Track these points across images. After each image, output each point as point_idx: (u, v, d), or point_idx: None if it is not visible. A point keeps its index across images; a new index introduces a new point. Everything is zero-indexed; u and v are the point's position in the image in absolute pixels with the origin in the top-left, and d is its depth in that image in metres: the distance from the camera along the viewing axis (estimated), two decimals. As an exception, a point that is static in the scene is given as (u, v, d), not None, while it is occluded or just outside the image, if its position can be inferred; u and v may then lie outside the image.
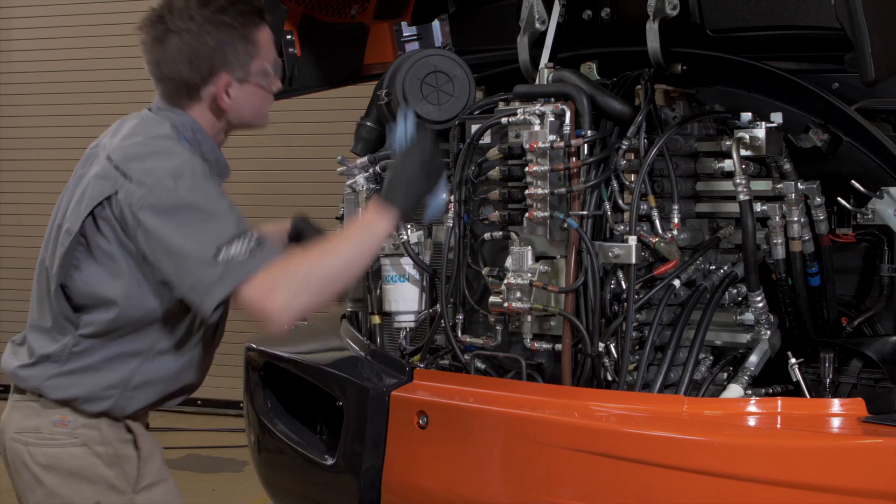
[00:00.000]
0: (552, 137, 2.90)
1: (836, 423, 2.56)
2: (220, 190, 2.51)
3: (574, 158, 2.89)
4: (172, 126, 2.54)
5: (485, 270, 3.10)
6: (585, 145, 2.89)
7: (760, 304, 2.88)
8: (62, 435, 2.54)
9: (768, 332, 2.90)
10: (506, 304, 2.95)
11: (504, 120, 3.01)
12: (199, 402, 7.17)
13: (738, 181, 2.81)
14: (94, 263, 2.50)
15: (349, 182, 3.54)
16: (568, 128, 2.92)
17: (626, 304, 2.82)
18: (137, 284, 2.49)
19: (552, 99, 2.96)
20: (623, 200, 2.92)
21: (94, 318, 2.51)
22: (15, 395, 2.62)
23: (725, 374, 2.95)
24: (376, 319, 3.43)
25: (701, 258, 2.96)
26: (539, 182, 2.91)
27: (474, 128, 3.12)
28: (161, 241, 2.41)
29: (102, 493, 2.55)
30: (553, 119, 2.92)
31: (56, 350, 2.53)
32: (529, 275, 2.93)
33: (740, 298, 2.97)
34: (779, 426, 2.58)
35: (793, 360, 2.78)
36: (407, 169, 2.56)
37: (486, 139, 3.10)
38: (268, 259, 2.40)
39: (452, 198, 3.14)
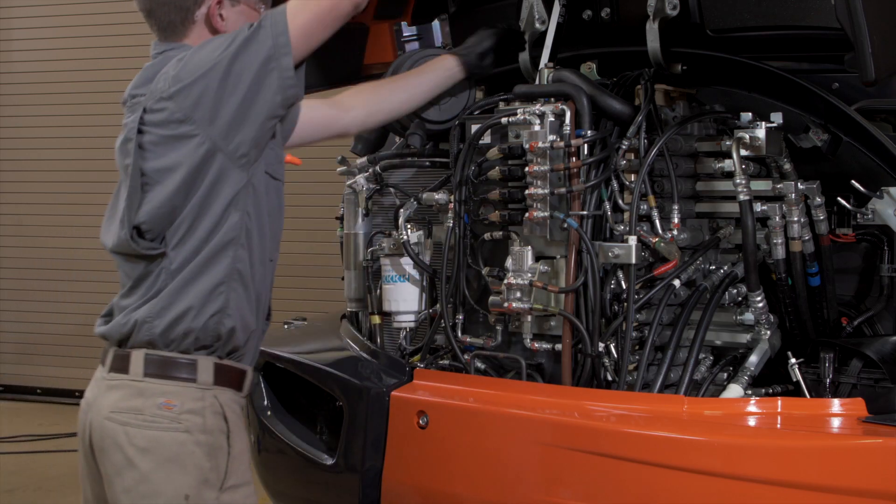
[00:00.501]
0: (552, 137, 2.90)
1: (836, 423, 2.56)
2: None
3: (574, 158, 2.89)
4: None
5: (485, 270, 3.10)
6: (585, 145, 2.89)
7: (760, 304, 2.87)
8: (165, 419, 2.46)
9: (768, 332, 2.90)
10: (506, 304, 2.95)
11: (504, 120, 3.00)
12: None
13: (738, 181, 2.80)
14: (155, 185, 2.48)
15: (349, 182, 3.54)
16: (568, 128, 2.92)
17: (626, 304, 2.82)
18: (204, 171, 2.46)
19: (552, 99, 2.96)
20: (623, 200, 2.91)
21: (175, 229, 2.48)
22: (112, 373, 2.53)
23: (725, 374, 2.95)
24: (376, 319, 3.43)
25: (701, 258, 2.96)
26: (539, 182, 2.91)
27: (474, 128, 3.12)
28: (211, 70, 2.44)
29: (194, 485, 2.46)
30: (553, 119, 2.92)
31: (158, 276, 2.49)
32: (529, 275, 2.93)
33: (740, 298, 2.97)
34: (779, 426, 2.58)
35: (793, 360, 2.78)
36: None
37: (486, 139, 3.10)
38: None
39: (452, 198, 3.14)
